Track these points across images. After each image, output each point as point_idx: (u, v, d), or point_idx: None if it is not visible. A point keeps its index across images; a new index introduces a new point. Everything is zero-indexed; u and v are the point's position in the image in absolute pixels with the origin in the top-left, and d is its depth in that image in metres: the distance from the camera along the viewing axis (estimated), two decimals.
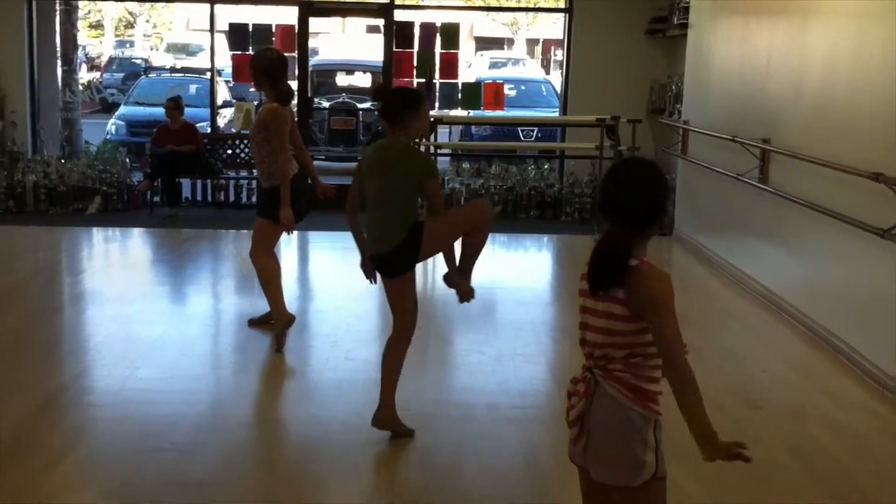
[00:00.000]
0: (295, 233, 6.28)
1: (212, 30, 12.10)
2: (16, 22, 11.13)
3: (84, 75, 25.90)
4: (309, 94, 12.32)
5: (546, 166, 11.91)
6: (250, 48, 11.49)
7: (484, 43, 36.34)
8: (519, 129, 14.19)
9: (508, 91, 16.74)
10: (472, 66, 26.59)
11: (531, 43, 37.83)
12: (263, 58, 6.12)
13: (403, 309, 4.55)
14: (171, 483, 4.17)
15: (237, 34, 11.86)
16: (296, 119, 6.37)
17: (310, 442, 4.69)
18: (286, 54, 6.61)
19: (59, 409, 5.00)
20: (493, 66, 27.54)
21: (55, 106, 12.17)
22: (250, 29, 11.75)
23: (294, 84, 13.08)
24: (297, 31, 11.62)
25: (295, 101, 7.45)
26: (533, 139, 14.08)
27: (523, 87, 16.97)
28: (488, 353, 6.02)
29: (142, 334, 6.33)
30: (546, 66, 33.44)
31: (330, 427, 4.80)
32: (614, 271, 2.57)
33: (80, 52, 28.37)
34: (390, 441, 4.57)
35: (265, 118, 6.00)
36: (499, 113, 12.10)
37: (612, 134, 10.21)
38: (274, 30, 11.73)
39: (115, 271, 8.73)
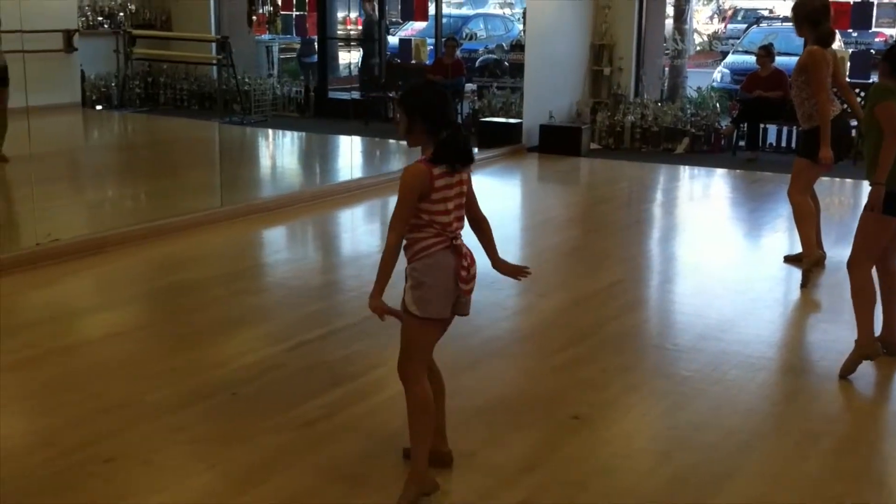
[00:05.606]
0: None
1: None
2: None
3: (710, 27, 26.98)
4: None
5: None
6: None
7: None
8: None
9: None
10: None
11: None
12: (806, 3, 6.29)
13: None
14: (662, 374, 4.80)
15: None
16: (839, 60, 6.42)
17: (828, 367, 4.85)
18: None
19: (605, 301, 5.91)
20: None
21: (659, 54, 13.20)
22: None
23: None
24: None
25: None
26: None
27: None
28: None
29: (683, 256, 7.10)
30: None
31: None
32: None
33: (713, 5, 29.57)
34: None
35: (804, 61, 6.20)
36: None
37: None
38: None
39: (684, 203, 9.50)
